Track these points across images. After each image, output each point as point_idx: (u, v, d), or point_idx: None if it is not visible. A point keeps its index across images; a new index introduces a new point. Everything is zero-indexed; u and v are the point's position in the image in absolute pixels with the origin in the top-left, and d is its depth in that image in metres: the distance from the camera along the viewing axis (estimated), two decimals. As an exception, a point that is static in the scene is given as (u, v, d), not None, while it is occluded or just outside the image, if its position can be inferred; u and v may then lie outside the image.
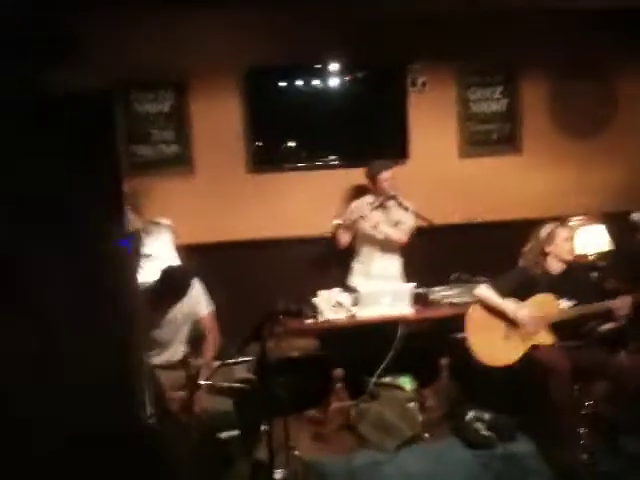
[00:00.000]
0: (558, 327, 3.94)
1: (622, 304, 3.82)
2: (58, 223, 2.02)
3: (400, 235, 4.69)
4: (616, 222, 4.97)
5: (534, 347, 3.93)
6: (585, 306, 3.91)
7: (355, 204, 4.82)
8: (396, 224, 4.71)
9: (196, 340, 4.15)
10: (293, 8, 4.75)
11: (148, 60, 4.85)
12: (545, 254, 4.03)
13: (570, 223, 4.12)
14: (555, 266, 4.04)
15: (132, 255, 3.95)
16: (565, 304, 3.96)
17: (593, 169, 5.58)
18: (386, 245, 4.76)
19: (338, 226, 4.70)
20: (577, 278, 4.07)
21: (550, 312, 3.95)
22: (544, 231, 4.05)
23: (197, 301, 4.04)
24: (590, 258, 4.82)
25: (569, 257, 4.03)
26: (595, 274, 4.53)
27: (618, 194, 5.47)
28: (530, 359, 3.90)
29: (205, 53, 4.97)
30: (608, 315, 3.90)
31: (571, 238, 4.08)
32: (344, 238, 4.74)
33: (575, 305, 3.94)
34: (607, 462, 3.64)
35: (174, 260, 4.38)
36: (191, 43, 4.93)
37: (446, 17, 5.03)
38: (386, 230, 4.70)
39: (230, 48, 4.99)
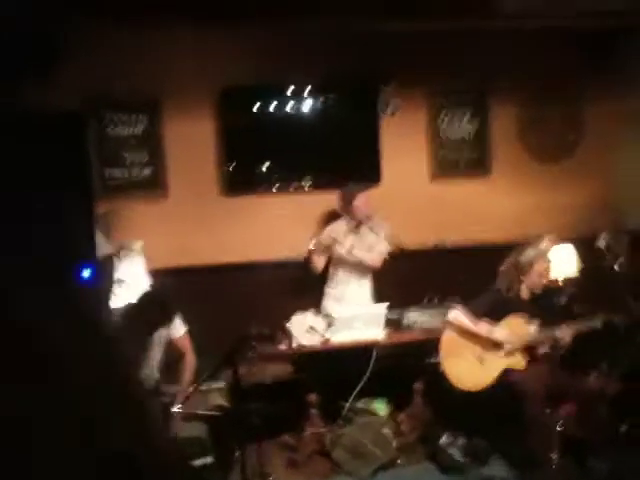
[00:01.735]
0: (527, 350, 3.99)
1: (562, 334, 3.90)
2: (25, 247, 1.98)
3: (374, 259, 4.70)
4: (584, 244, 5.05)
5: (507, 370, 3.96)
6: (540, 332, 3.97)
7: (329, 228, 4.83)
8: (370, 248, 4.73)
9: (171, 363, 4.11)
10: (267, 25, 4.77)
11: (120, 81, 4.82)
12: (519, 280, 4.07)
13: (543, 247, 4.16)
14: (526, 293, 4.10)
15: (104, 281, 3.92)
16: (533, 329, 4.01)
17: (561, 191, 5.66)
18: (359, 269, 4.76)
19: (312, 251, 4.69)
20: (547, 303, 4.14)
21: (520, 334, 3.99)
22: (522, 257, 4.09)
23: (173, 325, 4.00)
24: (560, 283, 4.88)
25: (538, 291, 4.10)
26: (562, 299, 4.59)
27: (586, 215, 5.55)
28: (502, 382, 3.94)
29: (178, 75, 4.96)
30: (555, 342, 3.96)
31: (547, 274, 4.14)
32: (319, 263, 4.74)
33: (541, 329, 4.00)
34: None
35: (146, 283, 4.33)
36: (164, 64, 4.91)
37: (417, 40, 5.08)
38: (360, 255, 4.71)
39: (203, 70, 4.99)
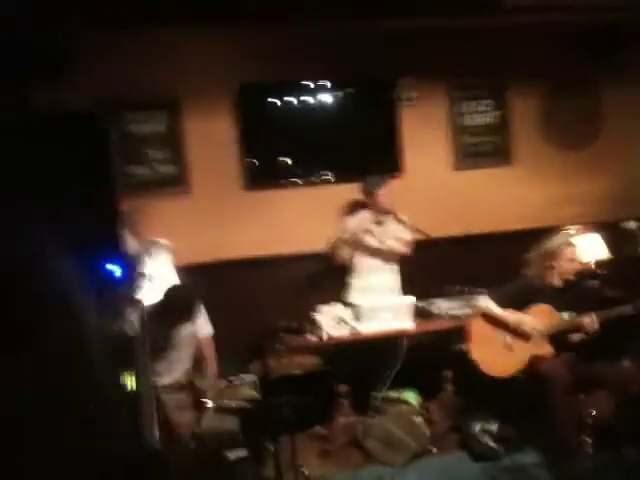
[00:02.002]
0: (554, 339, 3.96)
1: (588, 321, 3.87)
2: (53, 245, 2.00)
3: (403, 247, 4.69)
4: (606, 232, 5.02)
5: (535, 358, 3.94)
6: (568, 319, 3.95)
7: (354, 219, 4.82)
8: (395, 238, 4.72)
9: (195, 361, 4.13)
10: (285, 24, 4.79)
11: (141, 80, 4.86)
12: (549, 267, 4.04)
13: (571, 235, 4.13)
14: (557, 280, 4.06)
15: (130, 277, 3.94)
16: (564, 316, 3.98)
17: (583, 180, 5.66)
18: (385, 259, 4.76)
19: (340, 242, 4.68)
20: (577, 289, 4.10)
21: (545, 323, 3.96)
22: (550, 244, 4.06)
23: (199, 322, 4.03)
24: (589, 266, 4.84)
25: (571, 276, 4.06)
26: (594, 283, 4.55)
27: (607, 204, 5.53)
28: (532, 370, 3.91)
29: (198, 72, 4.98)
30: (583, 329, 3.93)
31: (576, 259, 4.10)
32: (345, 253, 4.73)
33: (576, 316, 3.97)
34: (611, 472, 3.64)
35: (174, 280, 4.35)
36: (184, 62, 4.94)
37: (436, 33, 5.08)
38: (390, 242, 4.70)
39: (222, 66, 5.02)
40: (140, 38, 4.73)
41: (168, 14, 4.33)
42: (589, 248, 4.90)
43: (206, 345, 4.12)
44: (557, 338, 3.96)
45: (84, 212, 2.12)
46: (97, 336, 2.02)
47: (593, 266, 4.88)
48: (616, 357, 4.08)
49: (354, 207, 5.01)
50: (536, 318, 3.99)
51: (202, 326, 4.10)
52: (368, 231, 4.70)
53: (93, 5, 4.07)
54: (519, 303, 4.03)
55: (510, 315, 4.01)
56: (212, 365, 4.13)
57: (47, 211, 2.06)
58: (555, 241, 4.08)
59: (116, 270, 2.27)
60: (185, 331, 3.92)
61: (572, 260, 4.06)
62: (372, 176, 4.80)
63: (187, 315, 3.86)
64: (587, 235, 4.97)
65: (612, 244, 5.00)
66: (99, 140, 2.31)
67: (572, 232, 4.19)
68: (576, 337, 3.97)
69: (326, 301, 4.61)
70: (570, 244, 4.10)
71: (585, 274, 4.55)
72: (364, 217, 4.79)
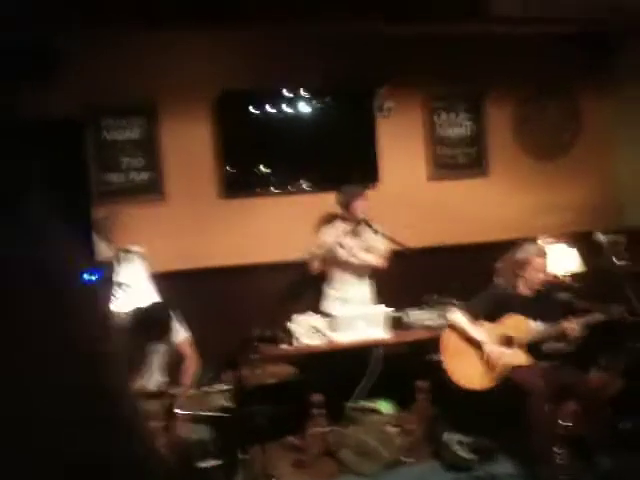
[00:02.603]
0: (529, 348, 3.99)
1: (570, 327, 3.91)
2: (23, 251, 1.96)
3: (378, 260, 4.70)
4: (582, 242, 5.06)
5: (511, 368, 3.96)
6: (546, 328, 3.98)
7: (328, 232, 4.81)
8: (368, 249, 4.73)
9: (173, 367, 4.09)
10: (264, 29, 4.79)
11: (117, 85, 4.82)
12: (517, 276, 4.08)
13: (541, 243, 4.18)
14: (526, 290, 4.10)
15: (104, 284, 3.91)
16: (536, 325, 4.01)
17: (558, 190, 5.69)
18: (360, 270, 4.77)
19: (314, 255, 4.68)
20: (548, 299, 4.14)
21: (520, 333, 3.99)
22: (520, 254, 4.10)
23: (174, 331, 3.99)
24: (561, 278, 4.89)
25: (539, 287, 4.10)
26: (565, 294, 4.59)
27: (584, 214, 5.58)
28: (506, 380, 3.93)
29: (175, 78, 4.96)
30: (564, 337, 3.96)
31: (544, 269, 4.15)
32: (319, 265, 4.74)
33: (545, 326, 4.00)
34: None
35: (148, 288, 4.31)
36: (162, 68, 4.92)
37: (412, 43, 5.12)
38: (363, 256, 4.70)
39: (200, 73, 5.00)
40: (118, 42, 4.70)
41: (149, 19, 4.31)
42: (561, 259, 4.95)
43: (185, 348, 4.08)
44: (533, 347, 3.99)
45: (56, 217, 2.09)
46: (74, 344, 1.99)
47: (564, 277, 4.92)
48: (588, 367, 4.13)
49: (330, 219, 5.01)
50: (508, 328, 4.02)
51: (178, 332, 4.07)
52: (341, 245, 4.70)
53: (73, 7, 4.04)
54: (491, 313, 4.06)
55: (479, 334, 4.03)
56: (194, 366, 4.07)
57: (14, 218, 2.02)
58: (525, 251, 4.12)
59: (90, 277, 2.24)
60: (159, 344, 3.89)
61: (541, 271, 4.09)
62: (348, 186, 4.80)
63: (161, 333, 3.84)
64: (559, 246, 5.02)
65: (586, 255, 5.04)
66: (74, 145, 2.29)
67: (543, 242, 4.24)
68: (552, 346, 4.01)
69: (302, 310, 4.59)
70: (540, 254, 4.14)
71: (555, 285, 4.59)
72: (339, 229, 4.79)
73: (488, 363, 4.00)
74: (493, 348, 3.99)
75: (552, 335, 3.99)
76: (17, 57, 3.75)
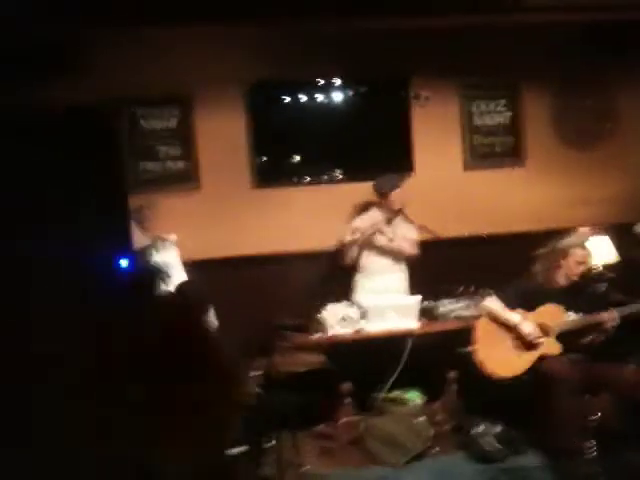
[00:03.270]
0: (563, 339, 3.94)
1: (610, 317, 3.85)
2: (62, 240, 2.02)
3: (411, 248, 4.70)
4: (619, 234, 4.98)
5: (541, 358, 3.92)
6: (583, 318, 3.93)
7: (365, 218, 4.82)
8: (404, 238, 4.72)
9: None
10: (295, 23, 4.79)
11: (153, 76, 4.89)
12: (557, 266, 4.03)
13: (585, 237, 4.12)
14: (563, 280, 4.05)
15: (145, 270, 3.97)
16: (572, 316, 3.97)
17: (596, 180, 5.58)
18: (393, 259, 4.76)
19: (352, 241, 4.68)
20: (583, 291, 4.09)
21: (555, 323, 3.95)
22: (563, 243, 4.06)
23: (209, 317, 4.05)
24: (597, 270, 4.82)
25: (576, 277, 4.05)
26: (602, 286, 4.52)
27: (621, 205, 5.47)
28: (537, 370, 3.90)
29: (209, 69, 5.00)
30: (600, 328, 3.91)
31: (584, 262, 4.09)
32: (353, 253, 4.74)
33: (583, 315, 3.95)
34: (614, 476, 3.62)
35: (182, 276, 4.38)
36: (196, 59, 4.96)
37: (448, 31, 5.06)
38: (399, 244, 4.70)
39: (235, 64, 5.02)
40: (154, 35, 4.76)
41: (183, 12, 4.36)
42: (599, 250, 4.87)
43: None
44: (566, 338, 3.94)
45: (93, 207, 2.13)
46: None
47: (601, 268, 4.84)
48: (622, 360, 4.06)
49: (364, 207, 5.01)
50: (543, 318, 3.98)
51: (211, 321, 4.12)
52: (380, 230, 4.70)
53: (108, 2, 4.11)
54: (527, 303, 4.02)
55: (514, 316, 4.00)
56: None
57: (57, 209, 2.08)
58: (568, 241, 4.08)
59: (127, 265, 2.29)
60: None
61: (581, 262, 4.04)
62: (386, 176, 4.80)
63: (200, 310, 3.88)
64: (597, 237, 4.94)
65: (623, 247, 4.96)
66: (108, 136, 2.33)
67: (586, 234, 4.18)
68: (587, 338, 3.96)
69: (333, 300, 4.61)
70: (582, 246, 4.09)
71: (592, 276, 4.53)
72: (375, 216, 4.79)
73: (524, 344, 3.96)
74: (531, 326, 3.95)
75: (588, 325, 3.93)
76: (47, 49, 3.84)
